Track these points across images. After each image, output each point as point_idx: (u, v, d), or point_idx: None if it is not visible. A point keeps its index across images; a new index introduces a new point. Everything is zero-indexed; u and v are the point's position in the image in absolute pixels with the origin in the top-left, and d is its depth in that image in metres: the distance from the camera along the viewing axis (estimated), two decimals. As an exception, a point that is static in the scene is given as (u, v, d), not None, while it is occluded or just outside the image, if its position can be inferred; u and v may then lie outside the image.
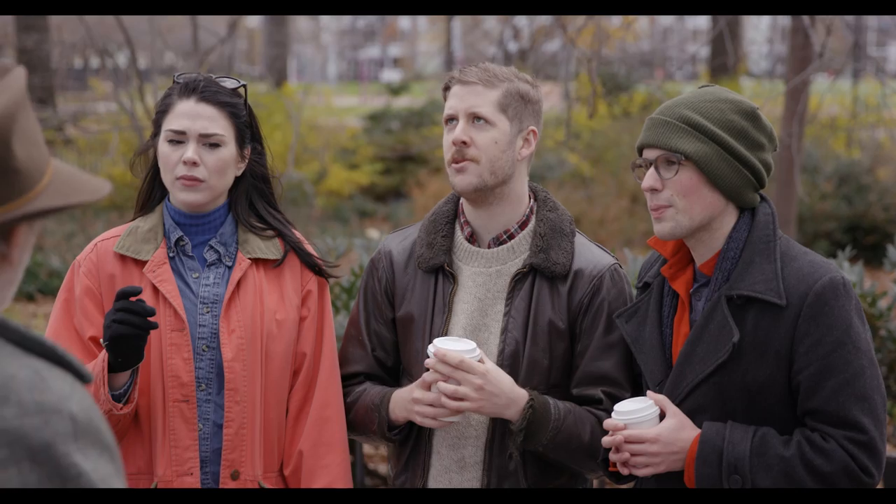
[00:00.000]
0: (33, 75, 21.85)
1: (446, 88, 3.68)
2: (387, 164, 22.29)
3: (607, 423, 3.29)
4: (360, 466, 6.20)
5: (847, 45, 10.90)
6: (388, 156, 21.98)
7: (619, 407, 3.27)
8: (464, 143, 3.59)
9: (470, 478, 3.66)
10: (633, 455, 3.21)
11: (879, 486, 7.24)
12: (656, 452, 3.18)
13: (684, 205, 3.20)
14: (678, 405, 3.23)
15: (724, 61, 20.19)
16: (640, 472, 3.24)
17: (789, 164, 10.76)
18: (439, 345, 3.47)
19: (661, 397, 3.24)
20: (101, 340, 3.45)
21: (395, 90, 30.68)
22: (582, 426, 3.53)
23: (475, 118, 3.60)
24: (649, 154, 3.25)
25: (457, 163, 3.61)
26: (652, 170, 3.24)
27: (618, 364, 3.57)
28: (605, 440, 3.27)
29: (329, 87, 40.50)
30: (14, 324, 1.93)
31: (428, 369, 3.49)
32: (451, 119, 3.64)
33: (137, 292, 3.42)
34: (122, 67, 14.13)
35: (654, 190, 3.23)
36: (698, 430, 3.18)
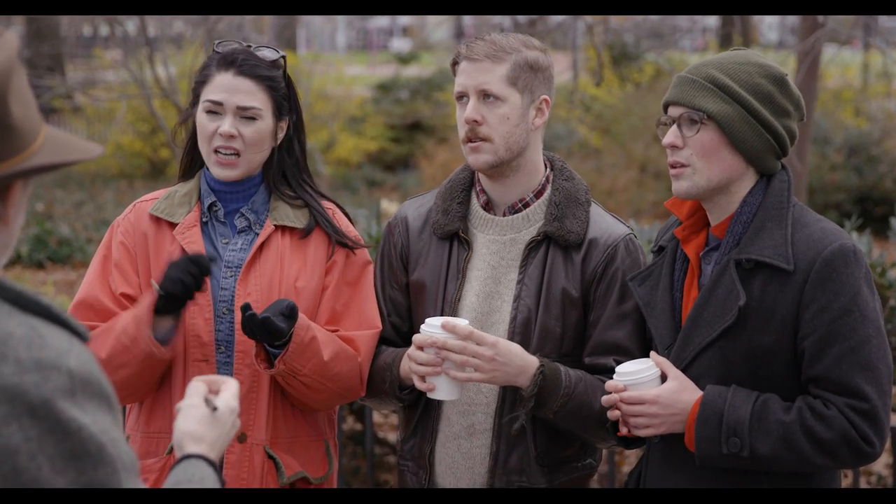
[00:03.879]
0: (42, 43, 21.83)
1: (454, 64, 3.67)
2: (396, 133, 22.29)
3: (608, 384, 3.29)
4: (370, 435, 6.22)
5: (857, 15, 10.88)
6: (397, 124, 21.98)
7: (621, 368, 3.28)
8: (475, 121, 3.60)
9: (479, 444, 3.67)
10: (633, 416, 3.22)
11: (887, 458, 7.25)
12: (656, 413, 3.18)
13: (702, 165, 3.20)
14: (684, 369, 3.23)
15: (732, 30, 20.14)
16: (641, 433, 3.25)
17: (799, 134, 10.76)
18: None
19: (663, 359, 3.24)
20: (155, 286, 3.50)
21: (405, 59, 30.64)
22: (593, 394, 3.52)
23: (485, 95, 3.60)
24: (673, 111, 3.25)
25: (471, 141, 3.61)
26: (674, 127, 3.23)
27: (630, 333, 3.58)
28: (604, 399, 3.28)
29: (338, 56, 40.43)
30: (9, 283, 1.96)
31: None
32: (462, 96, 3.64)
33: (213, 259, 3.52)
34: (132, 36, 14.10)
35: (674, 147, 3.23)
36: (698, 393, 3.17)
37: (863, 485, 6.75)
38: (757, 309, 3.14)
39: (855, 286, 3.09)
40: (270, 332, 3.45)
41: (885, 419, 3.09)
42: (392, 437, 7.28)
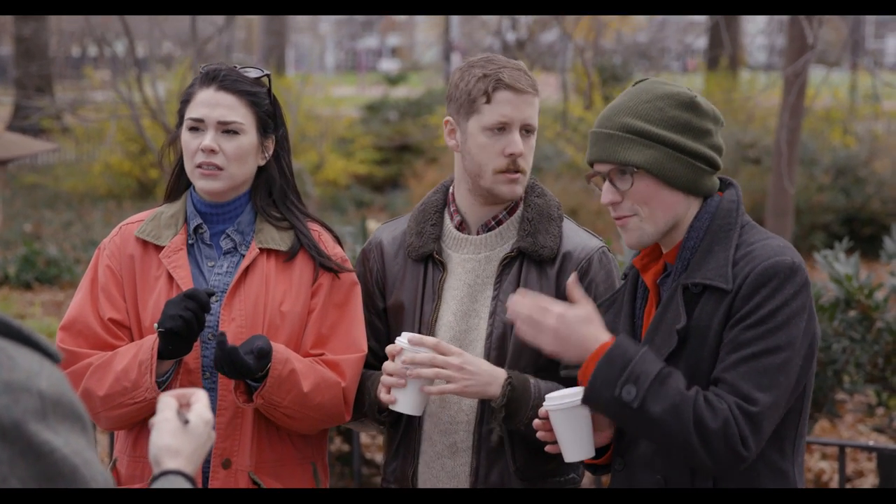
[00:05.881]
0: (31, 64, 21.84)
1: (492, 90, 3.59)
2: (384, 154, 22.31)
3: (540, 411, 3.29)
4: (358, 456, 6.22)
5: (845, 37, 10.92)
6: (385, 145, 21.99)
7: (550, 395, 3.28)
8: (522, 154, 3.61)
9: (462, 462, 3.68)
10: (529, 323, 3.19)
11: (873, 478, 7.26)
12: (554, 328, 3.16)
13: (647, 212, 3.20)
14: None
15: (721, 53, 20.20)
16: (536, 341, 3.22)
17: (786, 156, 10.76)
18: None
19: (576, 291, 3.23)
20: (156, 326, 3.49)
21: (393, 80, 30.69)
22: None
23: (527, 129, 3.62)
24: (600, 167, 3.24)
25: (512, 173, 3.62)
26: (607, 184, 3.22)
27: None
28: (511, 312, 3.26)
29: (327, 77, 40.47)
30: None
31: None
32: (503, 127, 3.61)
33: (212, 293, 3.51)
34: (120, 56, 14.12)
35: (613, 203, 3.24)
36: (609, 335, 3.17)
37: None
38: (695, 328, 3.15)
39: (780, 301, 3.08)
40: (235, 364, 3.43)
41: (767, 429, 3.07)
42: (379, 457, 7.27)
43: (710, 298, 3.14)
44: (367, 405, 3.70)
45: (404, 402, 3.50)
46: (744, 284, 3.09)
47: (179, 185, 3.78)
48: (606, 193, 3.23)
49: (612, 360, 3.11)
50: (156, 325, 3.49)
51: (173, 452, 2.35)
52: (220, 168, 3.62)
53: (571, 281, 3.27)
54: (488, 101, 3.60)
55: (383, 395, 3.51)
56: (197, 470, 2.37)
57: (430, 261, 3.75)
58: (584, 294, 3.24)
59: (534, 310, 3.21)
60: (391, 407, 3.52)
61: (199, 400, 2.48)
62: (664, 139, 3.17)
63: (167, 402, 2.44)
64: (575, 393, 3.24)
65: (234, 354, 3.42)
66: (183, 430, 2.39)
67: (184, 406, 2.47)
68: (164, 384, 3.53)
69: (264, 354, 3.46)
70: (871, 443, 5.91)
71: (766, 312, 3.07)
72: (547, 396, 3.27)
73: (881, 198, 15.87)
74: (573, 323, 3.18)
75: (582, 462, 3.45)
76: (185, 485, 2.29)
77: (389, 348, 3.52)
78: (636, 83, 3.31)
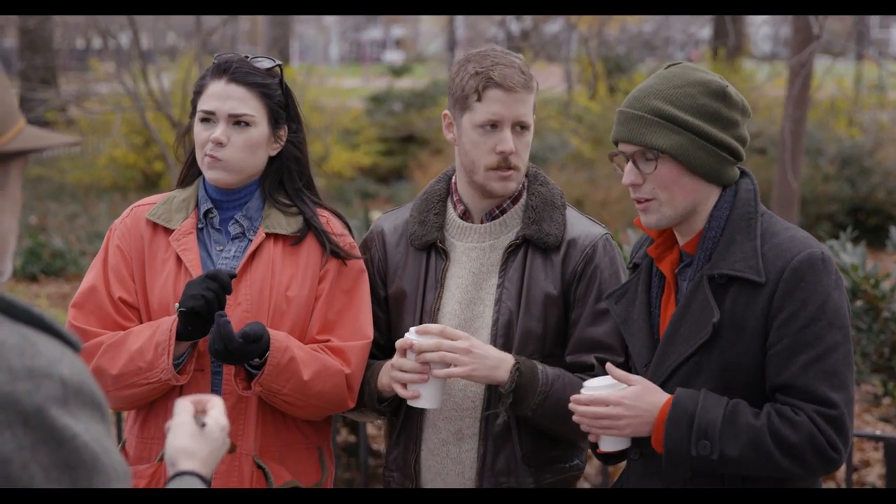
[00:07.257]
0: (35, 56, 21.82)
1: (482, 88, 3.59)
2: (389, 145, 22.31)
3: (574, 397, 3.28)
4: (364, 447, 6.22)
5: (850, 27, 10.90)
6: (390, 137, 21.99)
7: (589, 383, 3.27)
8: (513, 152, 3.61)
9: (467, 448, 3.69)
10: (596, 418, 3.20)
11: (880, 468, 7.25)
12: (619, 415, 3.16)
13: (667, 196, 3.19)
14: (662, 385, 3.21)
15: (726, 43, 20.16)
16: (606, 433, 3.22)
17: (792, 146, 10.75)
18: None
19: (622, 372, 3.22)
20: (177, 306, 3.51)
21: (398, 71, 30.68)
22: (572, 391, 3.50)
23: (521, 126, 3.62)
24: (625, 148, 3.23)
25: (504, 171, 3.62)
26: (630, 165, 3.21)
27: (611, 330, 3.59)
28: (571, 407, 3.26)
29: (331, 69, 40.44)
30: (0, 293, 1.96)
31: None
32: (494, 124, 3.61)
33: (234, 276, 3.53)
34: (125, 48, 14.10)
35: (634, 185, 3.23)
36: (666, 395, 3.15)
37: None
38: (729, 321, 3.14)
39: (823, 294, 3.09)
40: (224, 338, 3.44)
41: (850, 427, 3.09)
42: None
43: (741, 291, 3.14)
44: (366, 395, 3.71)
45: (424, 397, 3.51)
46: (781, 280, 3.09)
47: (192, 172, 3.80)
48: (629, 174, 3.22)
49: (677, 420, 3.11)
50: (176, 304, 3.51)
51: (189, 454, 2.39)
52: (228, 160, 3.63)
53: (610, 367, 3.25)
54: (479, 99, 3.61)
55: (401, 392, 3.51)
56: (211, 473, 2.41)
57: (433, 249, 3.76)
58: (626, 374, 3.22)
59: (595, 408, 3.20)
60: (411, 403, 3.53)
61: (216, 406, 2.52)
62: (692, 126, 3.17)
63: (184, 406, 2.49)
64: (614, 382, 3.23)
65: (228, 335, 3.43)
66: (199, 433, 2.43)
67: (199, 412, 2.50)
68: (178, 366, 3.55)
69: (252, 338, 3.47)
70: (877, 432, 5.90)
71: (815, 309, 3.07)
72: (585, 384, 3.27)
73: (887, 188, 15.85)
74: (635, 401, 3.16)
75: (592, 450, 3.46)
76: (201, 486, 2.32)
77: (399, 343, 3.53)
78: (668, 66, 3.30)
